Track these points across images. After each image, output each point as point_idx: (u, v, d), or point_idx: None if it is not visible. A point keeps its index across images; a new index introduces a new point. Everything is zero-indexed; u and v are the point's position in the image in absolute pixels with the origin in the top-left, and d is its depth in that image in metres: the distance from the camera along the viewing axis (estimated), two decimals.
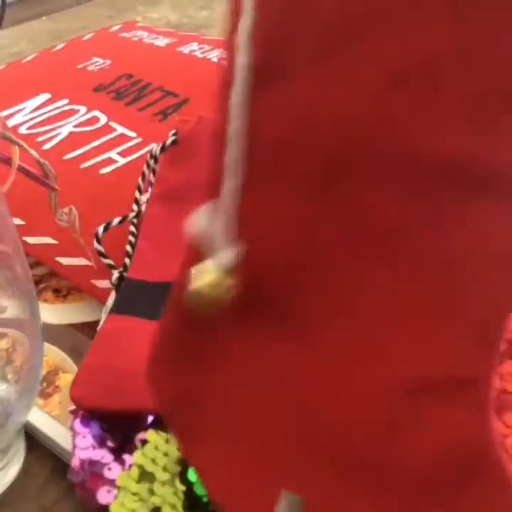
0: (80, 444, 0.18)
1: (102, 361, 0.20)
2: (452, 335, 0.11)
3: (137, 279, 0.22)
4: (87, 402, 0.19)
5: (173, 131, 0.26)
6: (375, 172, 0.10)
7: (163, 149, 0.26)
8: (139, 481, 0.18)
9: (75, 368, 0.23)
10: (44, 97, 0.40)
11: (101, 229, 0.25)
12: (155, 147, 0.27)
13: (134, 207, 0.26)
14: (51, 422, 0.21)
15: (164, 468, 0.18)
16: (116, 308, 0.22)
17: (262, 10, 0.11)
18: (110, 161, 0.33)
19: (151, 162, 0.26)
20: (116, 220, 0.26)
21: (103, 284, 0.25)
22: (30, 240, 0.27)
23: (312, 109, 0.10)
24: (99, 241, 0.25)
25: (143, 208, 0.26)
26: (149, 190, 0.27)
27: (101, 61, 0.44)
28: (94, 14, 0.59)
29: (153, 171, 0.26)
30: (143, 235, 0.25)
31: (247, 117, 0.11)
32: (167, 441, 0.18)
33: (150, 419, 0.18)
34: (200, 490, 0.17)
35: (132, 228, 0.25)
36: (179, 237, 0.24)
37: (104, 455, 0.18)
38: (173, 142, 0.26)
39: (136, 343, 0.20)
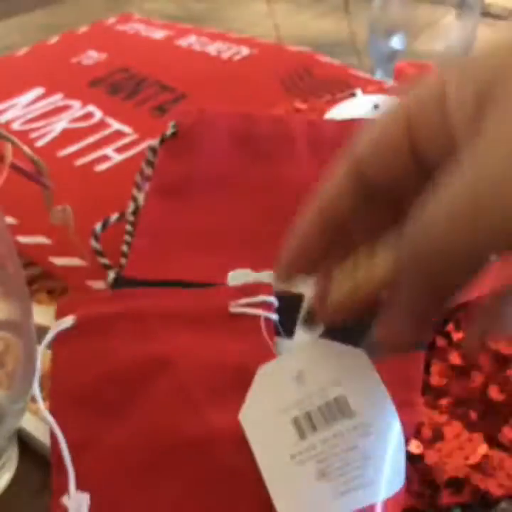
0: None
1: None
2: None
3: (133, 278, 0.22)
4: None
5: (173, 123, 0.26)
6: None
7: (162, 142, 0.25)
8: None
9: None
10: (37, 91, 0.39)
11: (99, 226, 0.24)
12: (154, 140, 0.26)
13: (131, 204, 0.25)
14: (45, 428, 0.20)
15: None
16: None
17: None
18: (105, 157, 0.32)
19: (150, 155, 0.26)
20: (114, 217, 0.25)
21: (98, 285, 0.24)
22: (23, 239, 0.27)
23: None
24: (97, 239, 0.24)
25: (140, 203, 0.25)
26: (147, 185, 0.26)
27: (96, 55, 0.43)
28: (90, 6, 0.58)
29: (152, 165, 0.26)
30: (140, 231, 0.24)
31: None
32: None
33: None
34: None
35: (129, 227, 0.25)
36: (178, 233, 0.24)
37: None
38: (173, 134, 0.25)
39: None
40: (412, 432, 0.17)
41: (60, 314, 0.21)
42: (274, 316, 0.20)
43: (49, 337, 0.20)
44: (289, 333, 0.20)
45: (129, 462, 0.17)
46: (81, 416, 0.18)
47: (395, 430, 0.15)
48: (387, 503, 0.15)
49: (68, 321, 0.20)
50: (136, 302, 0.20)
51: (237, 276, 0.21)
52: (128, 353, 0.19)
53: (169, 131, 0.25)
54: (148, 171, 0.26)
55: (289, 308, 0.20)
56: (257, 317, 0.19)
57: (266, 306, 0.20)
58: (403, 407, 0.16)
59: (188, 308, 0.20)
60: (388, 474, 0.15)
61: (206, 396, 0.17)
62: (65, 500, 0.16)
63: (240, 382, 0.15)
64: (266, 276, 0.21)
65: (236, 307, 0.20)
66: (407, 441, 0.16)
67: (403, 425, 0.16)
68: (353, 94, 0.33)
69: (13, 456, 0.20)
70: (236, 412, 0.15)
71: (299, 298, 0.21)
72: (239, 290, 0.20)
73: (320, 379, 0.16)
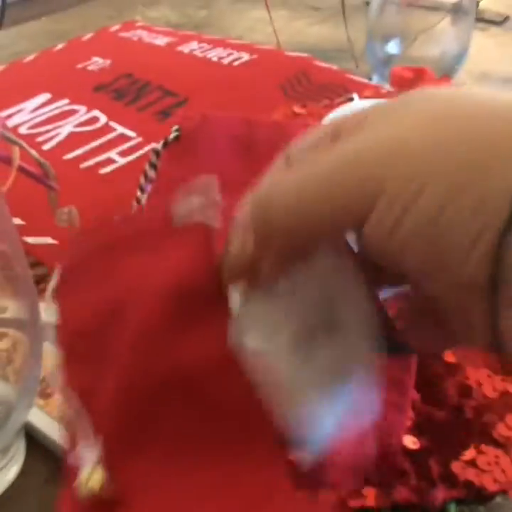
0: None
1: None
2: None
3: None
4: None
5: (175, 127, 0.26)
6: None
7: (165, 145, 0.26)
8: None
9: None
10: (44, 97, 0.39)
11: None
12: (158, 144, 0.27)
13: (135, 205, 0.26)
14: (51, 422, 0.21)
15: None
16: None
17: None
18: (110, 160, 0.33)
19: (153, 158, 0.26)
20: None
21: None
22: (31, 239, 0.27)
23: None
24: None
25: (143, 205, 0.26)
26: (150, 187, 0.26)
27: (101, 61, 0.44)
28: (94, 14, 0.59)
29: (155, 167, 0.26)
30: None
31: None
32: None
33: None
34: None
35: None
36: None
37: None
38: (176, 138, 0.26)
39: None
40: (402, 431, 0.17)
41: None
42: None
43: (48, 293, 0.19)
44: None
45: (127, 405, 0.16)
46: (80, 369, 0.18)
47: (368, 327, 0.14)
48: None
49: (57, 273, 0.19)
50: (103, 242, 0.19)
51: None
52: (98, 297, 0.18)
53: (172, 135, 0.26)
54: (151, 173, 0.26)
55: None
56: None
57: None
58: (393, 409, 0.17)
59: (138, 231, 0.19)
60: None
61: (170, 328, 0.16)
62: (78, 451, 0.16)
63: (191, 304, 0.15)
64: None
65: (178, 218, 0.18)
66: (397, 441, 0.16)
67: (393, 426, 0.16)
68: (350, 99, 0.34)
69: (20, 449, 0.21)
70: (201, 337, 0.15)
71: None
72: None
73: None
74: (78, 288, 0.19)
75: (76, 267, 0.19)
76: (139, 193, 0.26)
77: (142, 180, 0.26)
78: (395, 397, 0.17)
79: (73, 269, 0.19)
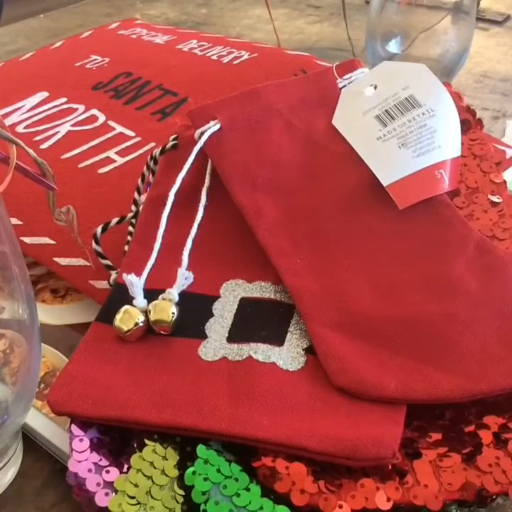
0: (77, 446, 0.18)
1: (83, 369, 0.20)
2: None
3: (125, 285, 0.21)
4: (62, 407, 0.19)
5: (174, 136, 0.26)
6: None
7: (162, 152, 0.26)
8: (136, 485, 0.17)
9: None
10: (42, 95, 0.39)
11: (99, 230, 0.25)
12: (156, 149, 0.26)
13: (133, 208, 0.26)
14: (49, 423, 0.21)
15: (162, 472, 0.18)
16: (101, 317, 0.22)
17: None
18: (109, 160, 0.33)
19: (151, 164, 0.26)
20: (114, 221, 0.25)
21: (101, 284, 0.25)
22: (28, 239, 0.27)
23: None
24: (97, 242, 0.25)
25: (141, 207, 0.26)
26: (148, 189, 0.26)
27: (99, 59, 0.44)
28: (93, 12, 0.58)
29: (153, 172, 0.26)
30: (136, 239, 0.24)
31: None
32: (165, 444, 0.18)
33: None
34: (197, 496, 0.17)
35: (131, 229, 0.25)
36: (171, 242, 0.24)
37: (101, 458, 0.18)
38: (173, 146, 0.26)
39: (117, 355, 0.20)
40: (397, 444, 0.17)
41: (200, 121, 0.24)
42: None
43: (202, 140, 0.23)
44: (280, 342, 0.20)
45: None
46: (251, 191, 0.23)
47: (452, 112, 0.23)
48: (452, 163, 0.22)
49: (215, 124, 0.24)
50: (264, 101, 0.24)
51: (230, 288, 0.22)
52: (280, 140, 0.24)
53: (170, 143, 0.26)
54: (148, 176, 0.26)
55: (280, 318, 0.21)
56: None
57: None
58: (388, 423, 0.17)
59: (309, 92, 0.25)
60: (451, 143, 0.22)
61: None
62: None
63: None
64: (258, 287, 0.22)
65: (342, 81, 0.26)
66: (392, 453, 0.17)
67: (388, 439, 0.17)
68: None
69: (18, 451, 0.21)
70: None
71: (291, 308, 0.21)
72: (339, 69, 0.26)
73: (392, 88, 0.23)
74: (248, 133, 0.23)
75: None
76: (136, 196, 0.26)
77: (139, 182, 0.26)
78: (390, 412, 0.18)
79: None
